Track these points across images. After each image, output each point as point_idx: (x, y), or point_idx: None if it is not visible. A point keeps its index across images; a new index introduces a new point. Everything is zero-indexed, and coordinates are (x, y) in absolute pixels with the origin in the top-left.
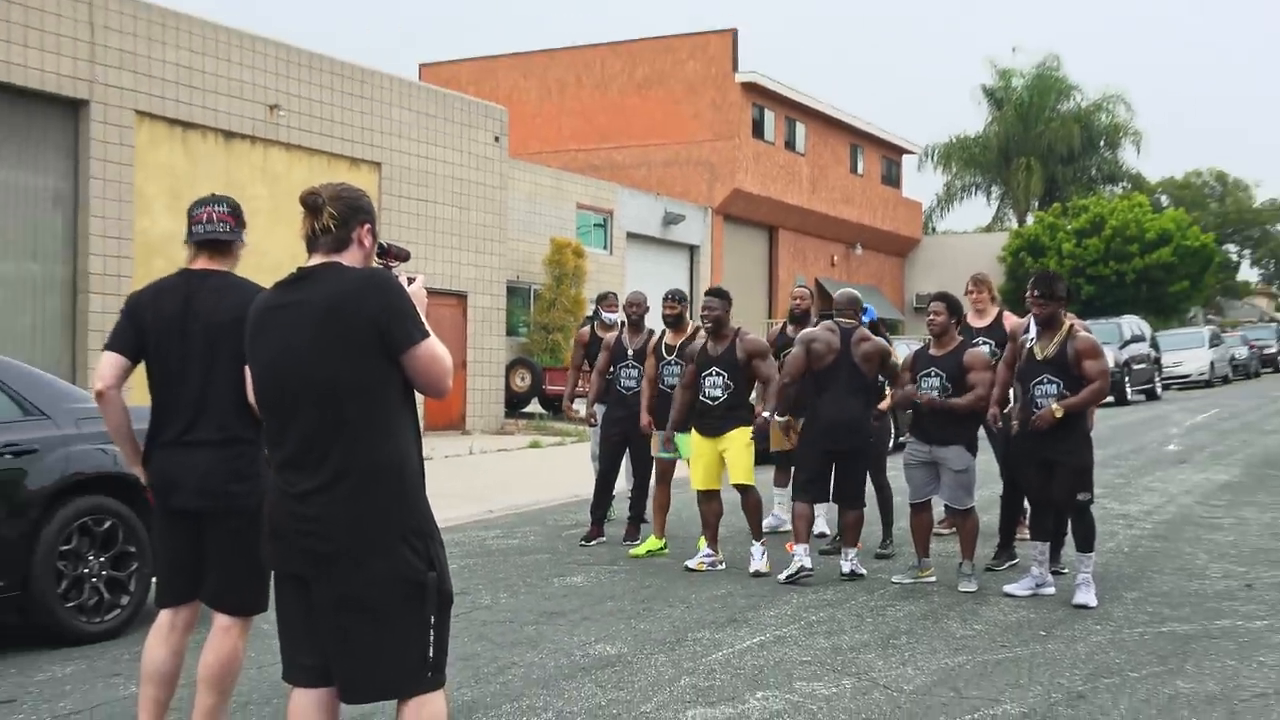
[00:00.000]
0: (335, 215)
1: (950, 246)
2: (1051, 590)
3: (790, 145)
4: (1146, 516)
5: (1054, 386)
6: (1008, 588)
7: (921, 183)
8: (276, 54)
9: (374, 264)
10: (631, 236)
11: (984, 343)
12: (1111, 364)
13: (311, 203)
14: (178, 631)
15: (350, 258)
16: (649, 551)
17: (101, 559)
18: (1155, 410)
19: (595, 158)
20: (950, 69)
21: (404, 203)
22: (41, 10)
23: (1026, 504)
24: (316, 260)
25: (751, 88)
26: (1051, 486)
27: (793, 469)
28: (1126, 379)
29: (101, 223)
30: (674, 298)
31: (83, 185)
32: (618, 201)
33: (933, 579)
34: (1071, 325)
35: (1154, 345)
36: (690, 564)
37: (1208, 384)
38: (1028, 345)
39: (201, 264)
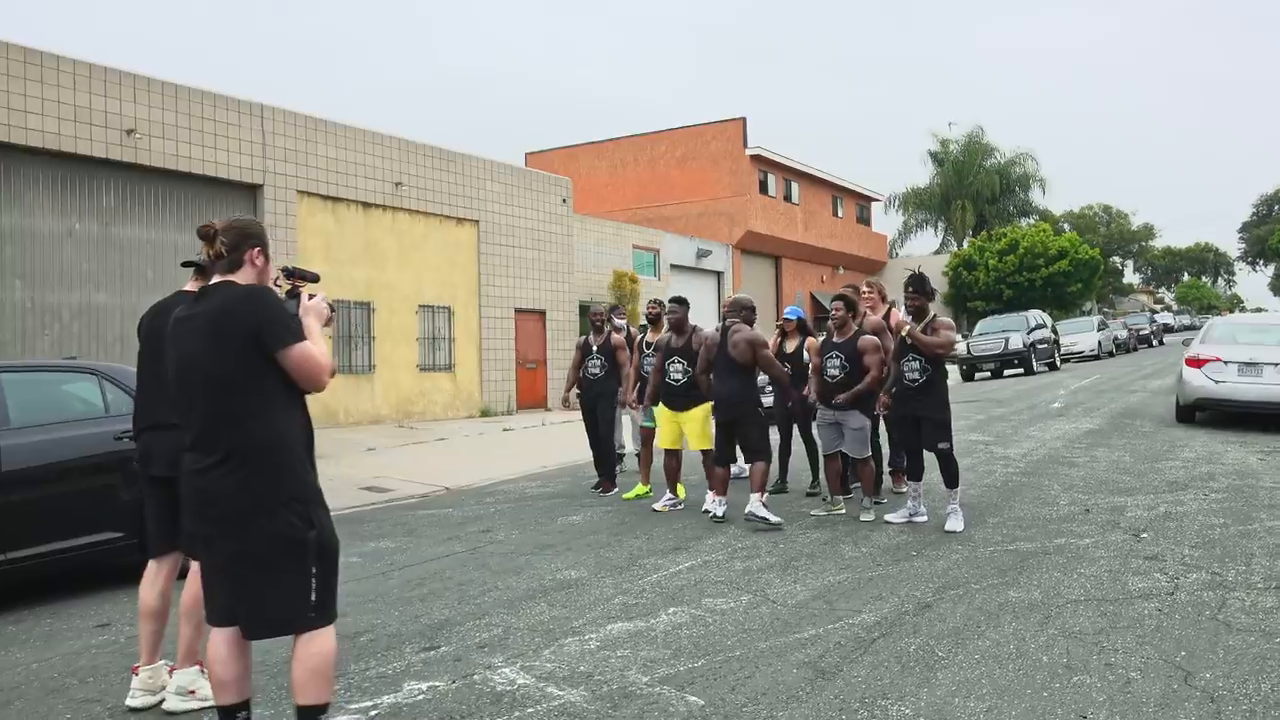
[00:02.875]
0: (226, 242)
1: (908, 266)
2: (924, 519)
3: (788, 198)
4: (1022, 458)
5: (917, 363)
6: (888, 516)
7: (887, 221)
8: (399, 145)
9: (282, 284)
10: (674, 267)
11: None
12: (1021, 345)
13: (204, 233)
14: (162, 578)
15: (244, 276)
16: (637, 495)
17: None
18: (1053, 378)
19: (649, 213)
20: (902, 138)
21: (497, 248)
22: (226, 122)
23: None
24: (215, 280)
25: (758, 158)
26: (919, 438)
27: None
28: (1033, 355)
29: (274, 271)
30: (654, 302)
31: None
32: (663, 243)
33: (842, 512)
34: (934, 315)
35: (1054, 330)
36: (656, 506)
37: (1096, 357)
38: (903, 332)
39: (189, 285)
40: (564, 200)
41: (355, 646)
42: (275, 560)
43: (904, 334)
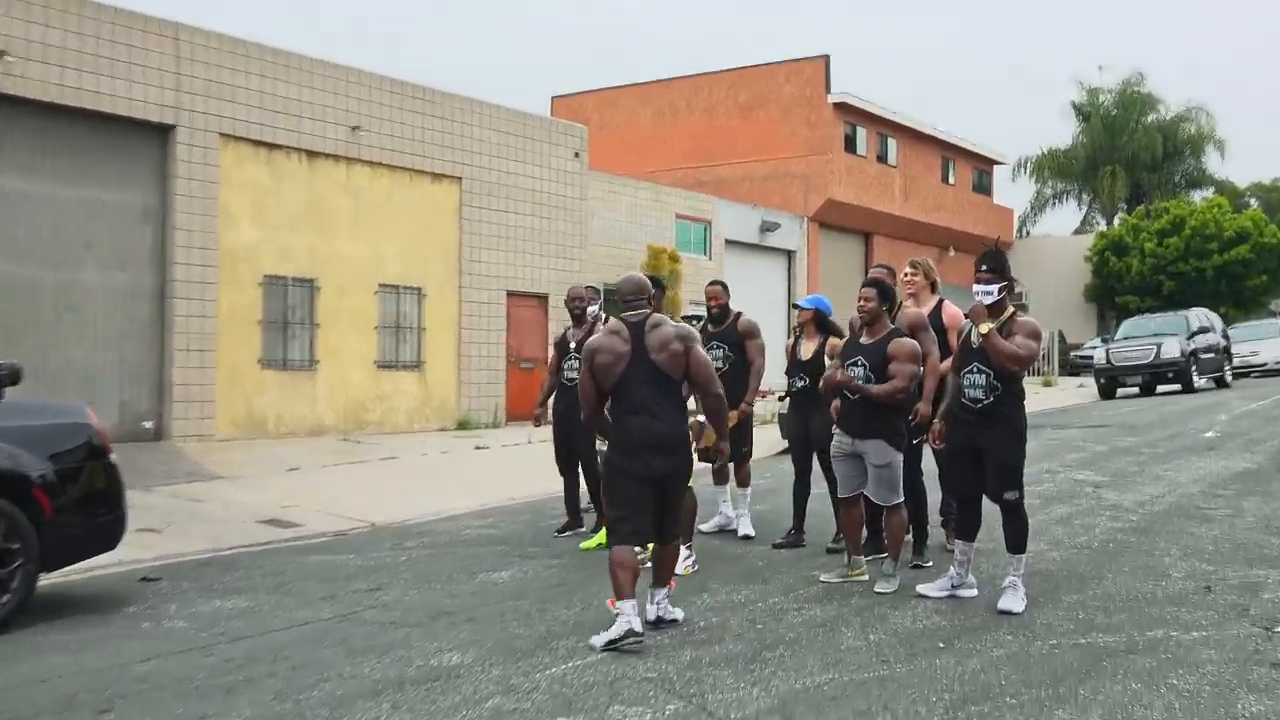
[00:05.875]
0: None
1: (1041, 249)
2: (972, 592)
3: (882, 158)
4: (1139, 507)
5: (983, 377)
6: (920, 587)
7: (1014, 191)
8: (357, 79)
9: None
10: (730, 243)
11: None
12: (1178, 354)
13: None
14: None
15: None
16: (599, 545)
17: None
18: (1217, 397)
19: (703, 174)
20: (1036, 86)
21: (485, 214)
22: (129, 45)
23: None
24: None
25: (843, 107)
26: (979, 480)
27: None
28: (1194, 367)
29: (187, 235)
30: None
31: (169, 202)
32: (715, 212)
33: (864, 578)
34: (1014, 312)
35: (1225, 336)
36: None
37: None
38: (967, 331)
39: None
40: (576, 155)
41: None
42: None
43: (980, 332)
